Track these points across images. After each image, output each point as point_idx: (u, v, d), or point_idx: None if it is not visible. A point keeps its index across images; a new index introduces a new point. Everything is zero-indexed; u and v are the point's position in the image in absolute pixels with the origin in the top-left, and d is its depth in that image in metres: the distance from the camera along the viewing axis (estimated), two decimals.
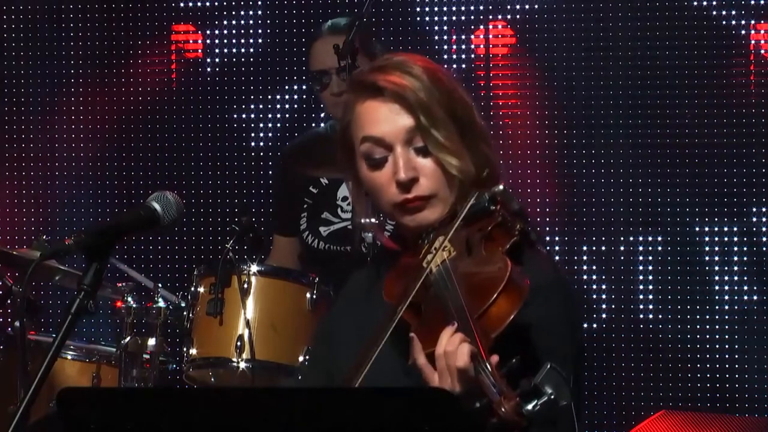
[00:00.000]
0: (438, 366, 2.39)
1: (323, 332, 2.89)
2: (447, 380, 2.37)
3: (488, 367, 2.30)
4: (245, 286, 4.44)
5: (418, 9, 6.22)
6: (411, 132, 2.63)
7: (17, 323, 4.59)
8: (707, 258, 6.01)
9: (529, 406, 2.24)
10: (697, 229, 6.01)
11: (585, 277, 6.03)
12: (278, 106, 6.29)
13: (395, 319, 2.51)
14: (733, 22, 6.05)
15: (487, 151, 2.67)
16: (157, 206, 2.61)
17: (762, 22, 6.05)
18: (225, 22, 6.33)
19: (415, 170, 2.63)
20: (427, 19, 6.22)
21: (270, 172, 6.16)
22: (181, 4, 6.36)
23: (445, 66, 6.09)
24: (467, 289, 2.45)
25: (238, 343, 4.37)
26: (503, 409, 2.24)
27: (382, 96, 2.64)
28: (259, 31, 6.32)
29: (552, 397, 2.23)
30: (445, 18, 6.20)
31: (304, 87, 6.26)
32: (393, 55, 2.76)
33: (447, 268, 2.50)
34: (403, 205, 2.64)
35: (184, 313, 4.58)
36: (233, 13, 6.33)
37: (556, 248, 6.07)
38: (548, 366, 2.25)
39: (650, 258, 6.04)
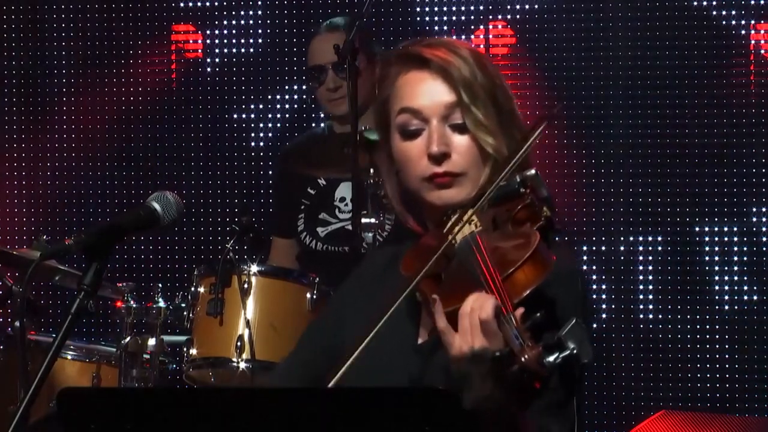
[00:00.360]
0: (461, 325, 2.38)
1: (330, 308, 2.88)
2: (468, 339, 2.36)
3: (513, 318, 2.31)
4: (245, 286, 4.44)
5: (418, 9, 6.22)
6: (450, 108, 2.63)
7: (17, 323, 4.58)
8: (707, 258, 6.01)
9: (551, 358, 2.24)
10: (697, 229, 6.02)
11: (585, 277, 6.03)
12: (278, 106, 6.30)
13: (411, 286, 2.50)
14: (733, 22, 6.05)
15: (519, 136, 2.68)
16: (157, 206, 2.61)
17: (762, 22, 6.05)
18: (225, 22, 6.33)
19: (449, 146, 2.63)
20: (427, 19, 6.22)
21: (270, 172, 6.16)
22: (181, 4, 6.36)
23: None
24: (493, 257, 2.45)
25: (238, 343, 4.37)
26: (525, 357, 2.23)
27: (427, 68, 2.64)
28: (259, 31, 6.32)
29: (574, 351, 2.24)
30: (445, 18, 6.20)
31: (304, 87, 6.26)
32: (438, 38, 2.77)
33: (474, 238, 2.50)
34: (432, 180, 2.63)
35: (184, 313, 4.58)
36: (233, 13, 6.33)
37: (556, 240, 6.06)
38: (573, 321, 2.26)
39: (650, 258, 6.04)
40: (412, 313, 2.65)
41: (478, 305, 2.35)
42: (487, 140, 2.62)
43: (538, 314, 2.31)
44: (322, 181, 5.00)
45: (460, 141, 2.63)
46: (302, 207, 5.00)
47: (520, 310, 2.33)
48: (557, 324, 2.42)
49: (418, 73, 2.65)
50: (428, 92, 2.63)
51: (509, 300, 2.36)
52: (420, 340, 2.64)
